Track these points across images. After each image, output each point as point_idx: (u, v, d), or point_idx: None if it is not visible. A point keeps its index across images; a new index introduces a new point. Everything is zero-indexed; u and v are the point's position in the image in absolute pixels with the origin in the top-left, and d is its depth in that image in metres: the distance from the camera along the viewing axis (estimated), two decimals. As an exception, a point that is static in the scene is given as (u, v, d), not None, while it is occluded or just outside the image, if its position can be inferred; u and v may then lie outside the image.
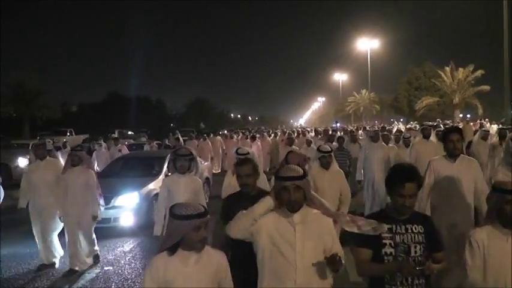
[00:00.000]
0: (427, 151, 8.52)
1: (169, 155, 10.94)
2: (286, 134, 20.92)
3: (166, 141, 21.89)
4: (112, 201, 9.90)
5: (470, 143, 12.39)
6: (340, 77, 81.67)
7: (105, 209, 8.73)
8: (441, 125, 24.69)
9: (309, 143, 14.21)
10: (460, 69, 51.02)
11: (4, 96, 43.88)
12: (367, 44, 53.16)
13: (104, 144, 17.74)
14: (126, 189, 10.32)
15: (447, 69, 51.68)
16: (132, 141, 30.53)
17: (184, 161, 6.04)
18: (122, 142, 21.14)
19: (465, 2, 71.59)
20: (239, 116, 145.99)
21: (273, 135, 29.59)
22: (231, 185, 5.55)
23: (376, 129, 15.57)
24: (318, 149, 6.76)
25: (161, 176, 11.03)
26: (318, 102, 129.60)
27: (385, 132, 12.33)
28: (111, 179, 11.11)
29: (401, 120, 63.68)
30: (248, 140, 21.24)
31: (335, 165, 6.73)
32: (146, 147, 20.25)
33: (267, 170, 18.78)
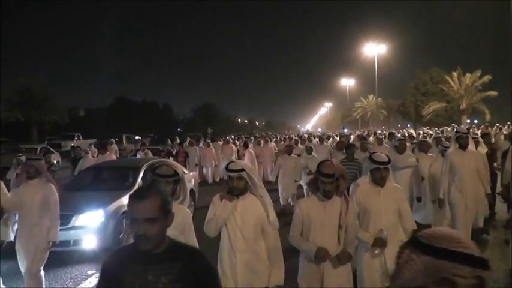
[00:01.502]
0: (464, 164, 7.54)
1: (146, 165, 10.49)
2: (285, 142, 20.49)
3: (165, 147, 20.58)
4: (72, 220, 8.46)
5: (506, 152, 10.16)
6: (347, 82, 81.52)
7: (64, 229, 7.70)
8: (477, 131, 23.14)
9: (309, 150, 12.56)
10: (468, 74, 50.90)
11: (12, 101, 44.32)
12: (374, 49, 53.09)
13: (93, 150, 16.49)
14: (90, 206, 8.86)
15: (454, 74, 51.56)
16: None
17: (166, 184, 4.18)
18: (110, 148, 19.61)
19: (472, 8, 71.51)
20: (246, 121, 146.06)
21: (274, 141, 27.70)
22: (218, 218, 4.29)
23: (401, 137, 13.03)
24: (371, 159, 4.89)
25: (134, 189, 10.02)
26: (325, 108, 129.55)
27: (423, 141, 10.38)
28: (75, 194, 9.71)
29: (409, 125, 63.57)
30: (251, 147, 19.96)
31: (391, 181, 5.04)
32: (139, 155, 18.06)
33: (272, 179, 15.29)
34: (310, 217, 4.39)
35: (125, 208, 7.57)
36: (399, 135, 23.23)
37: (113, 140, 20.94)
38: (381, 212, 4.76)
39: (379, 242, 4.62)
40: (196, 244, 4.00)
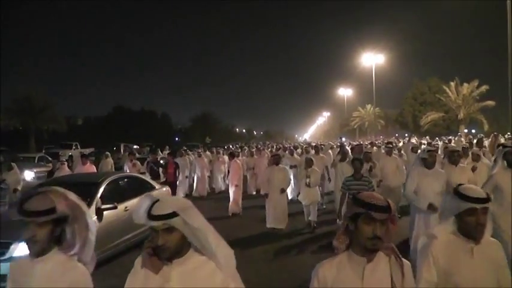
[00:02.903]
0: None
1: (107, 180, 9.09)
2: (272, 151, 19.51)
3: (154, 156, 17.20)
4: (10, 250, 6.87)
5: None
6: (345, 92, 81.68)
7: (1, 261, 6.45)
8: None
9: (309, 162, 11.29)
10: (465, 84, 51.08)
11: (10, 110, 44.33)
12: (372, 59, 53.23)
13: (84, 165, 14.38)
14: None
15: (452, 84, 51.77)
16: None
17: (35, 227, 2.56)
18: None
19: (470, 18, 71.89)
20: (244, 130, 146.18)
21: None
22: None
23: (431, 148, 10.34)
24: (460, 193, 2.92)
25: (90, 211, 8.02)
26: (323, 117, 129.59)
27: (455, 151, 8.46)
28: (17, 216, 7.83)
29: (406, 135, 63.65)
30: (243, 158, 18.29)
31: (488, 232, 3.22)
32: (127, 166, 16.19)
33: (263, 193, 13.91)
34: None
35: None
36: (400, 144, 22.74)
37: (108, 153, 19.31)
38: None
39: None
40: None
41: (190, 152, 21.55)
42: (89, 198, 8.35)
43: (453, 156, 8.18)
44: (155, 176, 15.01)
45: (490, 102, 49.70)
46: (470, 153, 10.44)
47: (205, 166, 18.81)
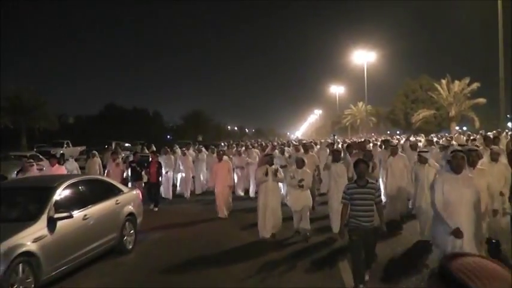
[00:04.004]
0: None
1: (64, 184, 8.16)
2: (264, 151, 17.80)
3: (137, 154, 16.86)
4: None
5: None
6: (336, 90, 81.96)
7: None
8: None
9: (300, 163, 10.03)
10: (456, 82, 51.31)
11: (1, 109, 44.02)
12: (363, 57, 53.42)
13: (53, 166, 13.37)
14: None
15: (443, 81, 51.96)
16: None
17: None
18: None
19: (461, 15, 72.20)
20: (236, 128, 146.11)
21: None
22: None
23: (457, 147, 8.09)
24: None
25: (40, 221, 7.01)
26: (315, 115, 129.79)
27: (473, 150, 7.82)
28: None
29: (398, 132, 63.89)
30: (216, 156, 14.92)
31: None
32: (109, 166, 15.01)
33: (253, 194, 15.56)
34: None
35: (24, 248, 6.37)
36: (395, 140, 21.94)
37: (95, 152, 18.40)
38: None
39: None
40: None
41: (177, 150, 20.05)
42: (38, 206, 7.40)
43: (471, 157, 6.82)
44: (137, 177, 14.31)
45: (481, 100, 49.96)
46: (489, 152, 8.97)
47: (190, 165, 17.64)
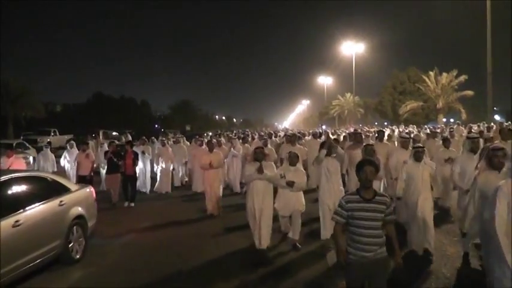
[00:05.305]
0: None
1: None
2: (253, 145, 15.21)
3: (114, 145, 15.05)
4: None
5: None
6: (324, 80, 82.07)
7: None
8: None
9: (294, 159, 8.39)
10: (444, 74, 51.58)
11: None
12: (352, 48, 53.62)
13: (9, 158, 12.64)
14: None
15: (431, 74, 52.19)
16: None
17: None
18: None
19: (449, 8, 72.52)
20: (224, 117, 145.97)
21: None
22: None
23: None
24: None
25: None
26: (303, 105, 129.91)
27: (475, 137, 8.71)
28: None
29: (386, 124, 64.23)
30: (205, 147, 14.52)
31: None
32: (79, 158, 14.13)
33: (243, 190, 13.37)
34: None
35: None
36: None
37: (73, 142, 17.39)
38: None
39: None
40: None
41: (156, 140, 19.48)
42: None
43: (496, 157, 5.85)
44: (115, 169, 13.53)
45: (469, 92, 50.28)
46: None
47: (170, 157, 16.12)
